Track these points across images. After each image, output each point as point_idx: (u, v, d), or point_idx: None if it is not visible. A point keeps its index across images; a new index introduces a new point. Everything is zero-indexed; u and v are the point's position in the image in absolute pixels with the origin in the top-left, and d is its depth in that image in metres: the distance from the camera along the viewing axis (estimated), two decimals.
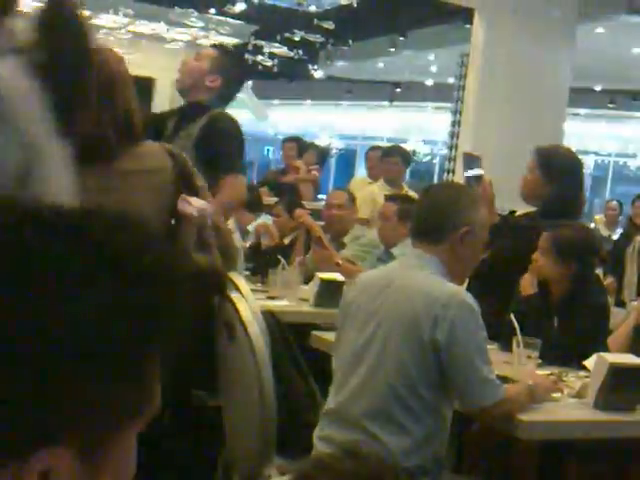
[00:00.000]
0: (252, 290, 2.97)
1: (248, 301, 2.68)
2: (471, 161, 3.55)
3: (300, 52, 12.47)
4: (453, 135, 9.88)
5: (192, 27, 11.21)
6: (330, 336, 3.05)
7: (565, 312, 3.12)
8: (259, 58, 12.54)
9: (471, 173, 3.47)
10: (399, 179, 6.29)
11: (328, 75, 17.06)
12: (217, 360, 2.89)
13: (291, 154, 7.20)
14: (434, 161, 19.82)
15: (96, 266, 0.59)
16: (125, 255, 0.61)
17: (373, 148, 7.35)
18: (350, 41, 13.20)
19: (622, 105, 16.32)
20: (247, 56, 13.00)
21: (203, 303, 2.70)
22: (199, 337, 2.57)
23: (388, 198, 4.65)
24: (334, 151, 20.26)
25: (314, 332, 3.32)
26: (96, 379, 0.59)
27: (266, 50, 12.07)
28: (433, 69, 15.75)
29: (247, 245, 4.98)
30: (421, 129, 19.69)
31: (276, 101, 19.55)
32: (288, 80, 17.49)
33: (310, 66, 15.79)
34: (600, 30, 10.75)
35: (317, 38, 10.90)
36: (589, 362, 2.82)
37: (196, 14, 10.49)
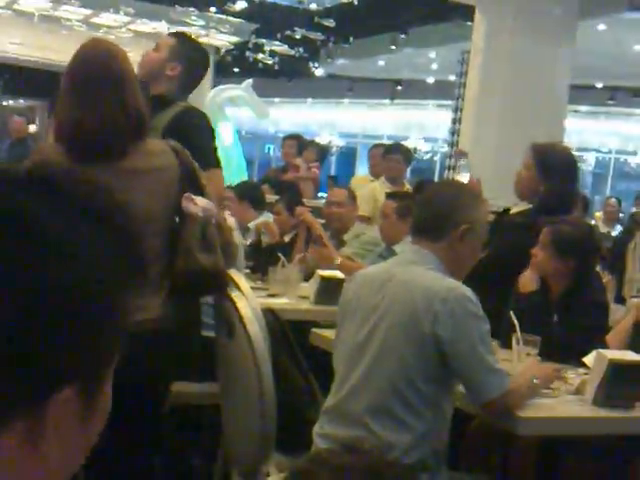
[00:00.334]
0: (252, 288, 2.97)
1: (248, 299, 2.68)
2: (459, 156, 3.60)
3: (301, 50, 12.49)
4: (454, 132, 9.89)
5: (193, 26, 11.22)
6: (330, 333, 3.05)
7: (564, 309, 3.12)
8: (260, 56, 12.57)
9: (460, 169, 3.51)
10: (400, 177, 6.29)
11: (329, 73, 17.07)
12: (216, 356, 2.90)
13: (291, 152, 7.20)
14: (435, 158, 19.81)
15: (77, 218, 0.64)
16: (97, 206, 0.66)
17: (376, 146, 7.35)
18: (351, 39, 13.21)
19: (623, 102, 16.30)
20: (248, 54, 13.02)
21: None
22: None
23: (388, 196, 4.66)
24: (334, 149, 20.25)
25: (314, 330, 3.32)
26: (93, 319, 0.63)
27: (267, 48, 12.09)
28: (434, 67, 15.75)
29: (247, 243, 4.99)
30: (422, 127, 19.68)
31: (277, 99, 19.55)
32: (289, 78, 17.49)
33: (311, 64, 15.81)
34: (601, 27, 10.75)
35: (318, 36, 10.92)
36: (588, 359, 2.82)
37: (197, 12, 10.50)
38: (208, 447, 3.45)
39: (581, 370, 2.86)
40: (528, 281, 3.22)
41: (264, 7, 11.72)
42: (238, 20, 11.94)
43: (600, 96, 16.19)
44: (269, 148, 23.52)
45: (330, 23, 10.18)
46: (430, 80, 17.13)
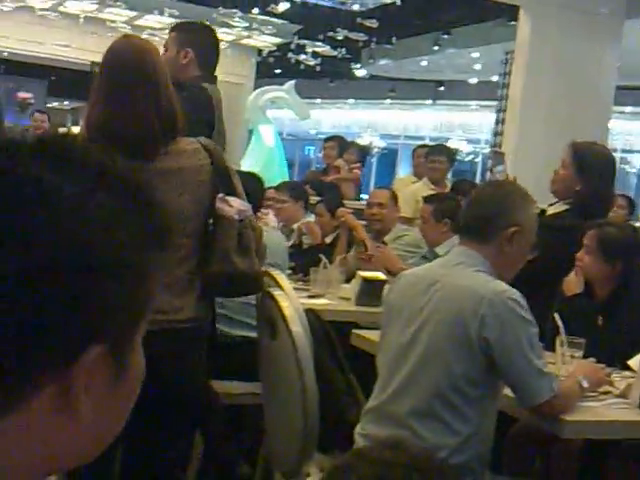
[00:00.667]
0: (293, 289, 2.97)
1: (291, 299, 2.68)
2: (497, 158, 3.57)
3: (343, 51, 12.47)
4: (497, 133, 9.81)
5: (236, 27, 11.27)
6: (371, 335, 3.05)
7: (609, 311, 3.10)
8: (302, 57, 12.57)
9: (496, 170, 3.48)
10: (443, 178, 6.26)
11: (371, 74, 17.04)
12: (258, 357, 2.91)
13: (332, 153, 7.19)
14: (476, 160, 19.67)
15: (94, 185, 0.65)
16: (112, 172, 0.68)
17: (421, 146, 7.32)
18: (393, 39, 13.18)
19: None
20: (290, 55, 13.05)
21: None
22: None
23: (425, 200, 4.64)
24: (375, 150, 20.20)
25: (355, 331, 3.32)
26: (121, 279, 0.64)
27: (309, 49, 12.09)
28: (477, 67, 15.64)
29: (289, 244, 5.00)
30: (464, 128, 19.58)
31: (318, 100, 19.57)
32: (330, 79, 17.51)
33: (353, 65, 15.80)
34: None
35: (360, 37, 10.88)
36: (634, 362, 2.79)
37: (240, 14, 10.53)
38: (250, 448, 3.46)
39: (627, 373, 2.83)
40: (573, 284, 3.19)
41: (307, 8, 11.75)
42: (280, 21, 11.98)
43: None
44: (309, 150, 23.55)
45: (372, 24, 10.15)
46: (473, 81, 17.03)
